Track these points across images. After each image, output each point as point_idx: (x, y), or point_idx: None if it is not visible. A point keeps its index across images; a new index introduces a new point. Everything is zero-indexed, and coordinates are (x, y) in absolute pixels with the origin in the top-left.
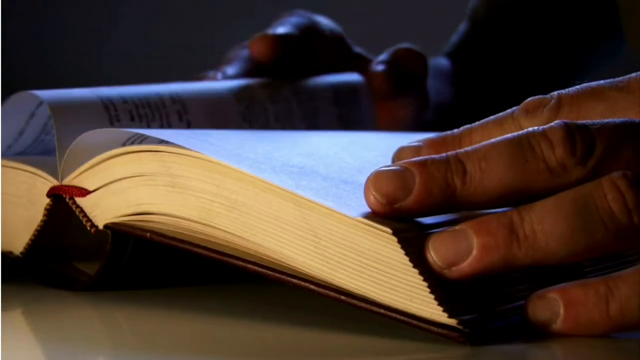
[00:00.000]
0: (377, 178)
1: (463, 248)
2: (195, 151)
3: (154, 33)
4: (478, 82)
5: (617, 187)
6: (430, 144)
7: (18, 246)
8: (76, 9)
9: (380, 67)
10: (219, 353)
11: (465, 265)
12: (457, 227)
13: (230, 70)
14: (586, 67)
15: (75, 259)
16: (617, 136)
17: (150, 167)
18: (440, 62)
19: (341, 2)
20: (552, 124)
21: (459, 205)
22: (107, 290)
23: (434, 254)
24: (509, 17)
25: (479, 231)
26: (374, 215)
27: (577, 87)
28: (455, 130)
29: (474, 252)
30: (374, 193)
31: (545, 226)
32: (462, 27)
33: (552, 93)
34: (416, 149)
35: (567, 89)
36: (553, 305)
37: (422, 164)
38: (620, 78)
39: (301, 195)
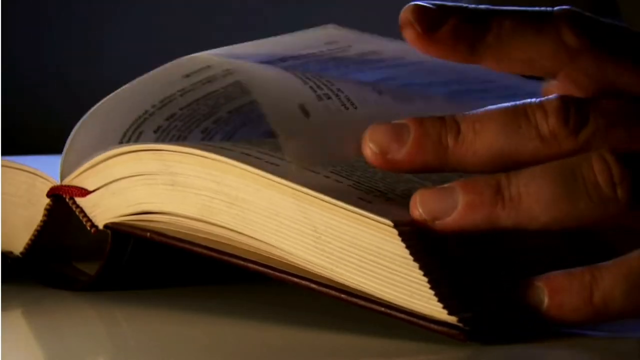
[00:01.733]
0: (373, 130)
1: (449, 203)
2: (195, 149)
3: (155, 34)
4: None
5: (604, 160)
6: (456, 16)
7: (18, 246)
8: (77, 8)
9: None
10: (219, 353)
11: (449, 220)
12: (446, 185)
13: None
14: None
15: (75, 259)
16: (614, 115)
17: (150, 166)
18: None
19: (343, 3)
20: (549, 96)
21: (449, 164)
22: (107, 290)
23: (420, 206)
24: None
25: (466, 189)
26: (370, 164)
27: (614, 23)
28: (483, 8)
29: (459, 207)
30: (370, 144)
31: (530, 189)
32: None
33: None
34: (435, 11)
35: (604, 19)
36: (538, 292)
37: (419, 121)
38: None
39: (301, 189)
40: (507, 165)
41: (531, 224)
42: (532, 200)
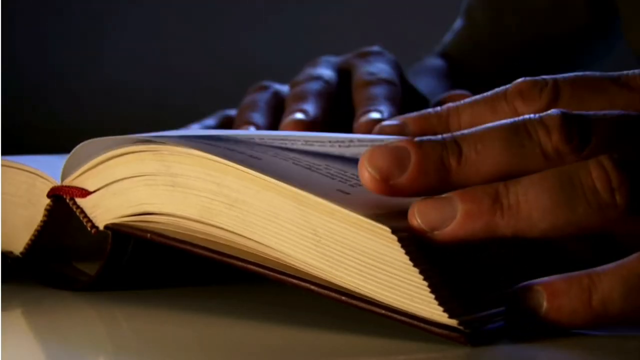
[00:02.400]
0: (372, 154)
1: (447, 213)
2: (196, 149)
3: (156, 34)
4: (477, 82)
5: (602, 166)
6: (414, 122)
7: (18, 246)
8: (78, 8)
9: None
10: (219, 353)
11: (448, 230)
12: (443, 195)
13: (311, 108)
14: (580, 66)
15: (75, 259)
16: (614, 129)
17: (151, 166)
18: (435, 62)
19: (343, 3)
20: (549, 111)
21: (453, 185)
22: (107, 290)
23: (418, 217)
24: (508, 19)
25: (464, 198)
26: (370, 189)
27: (575, 75)
28: (439, 109)
29: (458, 217)
30: (368, 169)
31: (528, 197)
32: (457, 25)
33: (545, 77)
34: (399, 127)
35: (564, 75)
36: (537, 295)
37: (418, 143)
38: (619, 73)
39: (302, 193)
40: None
41: (530, 231)
42: (531, 207)
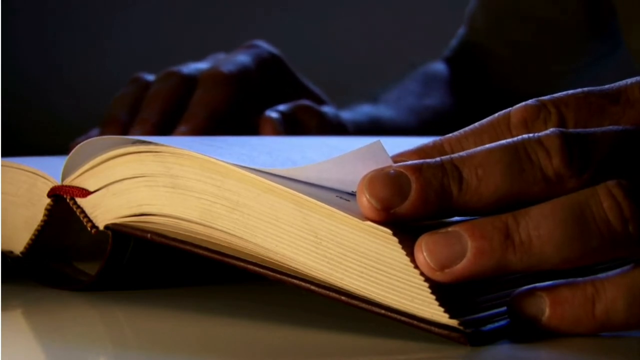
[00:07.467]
0: (371, 182)
1: (457, 251)
2: (196, 152)
3: (158, 30)
4: (476, 88)
5: (612, 196)
6: (411, 158)
7: (18, 246)
8: (79, 7)
9: (274, 115)
10: (219, 353)
11: (459, 268)
12: (449, 229)
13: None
14: (580, 69)
15: (75, 259)
16: (613, 147)
17: (151, 168)
18: (437, 67)
19: (343, 4)
20: (548, 131)
21: (454, 210)
22: (107, 290)
23: (427, 255)
24: (506, 26)
25: (474, 235)
26: (369, 218)
27: (576, 98)
28: (439, 140)
29: (468, 255)
30: (368, 197)
31: (541, 232)
32: (461, 31)
33: (544, 101)
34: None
35: (565, 99)
36: (540, 302)
37: (418, 169)
38: (618, 86)
39: (302, 196)
40: (511, 206)
41: (542, 265)
42: (544, 242)
